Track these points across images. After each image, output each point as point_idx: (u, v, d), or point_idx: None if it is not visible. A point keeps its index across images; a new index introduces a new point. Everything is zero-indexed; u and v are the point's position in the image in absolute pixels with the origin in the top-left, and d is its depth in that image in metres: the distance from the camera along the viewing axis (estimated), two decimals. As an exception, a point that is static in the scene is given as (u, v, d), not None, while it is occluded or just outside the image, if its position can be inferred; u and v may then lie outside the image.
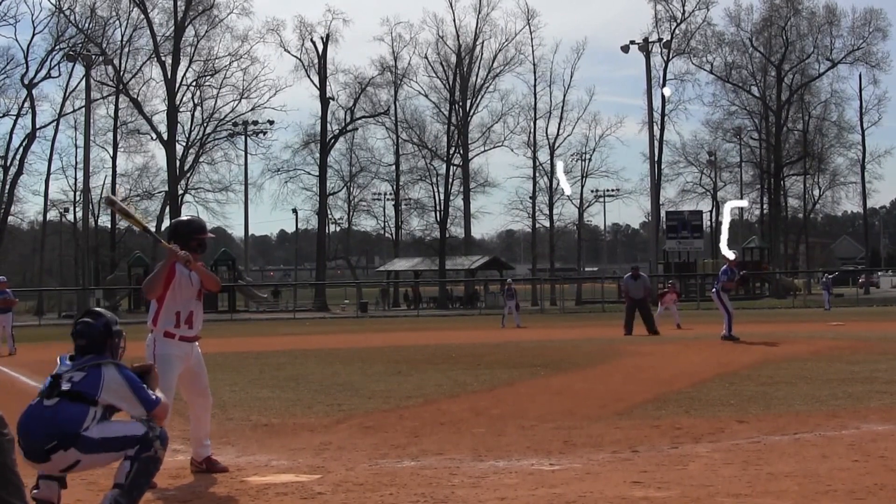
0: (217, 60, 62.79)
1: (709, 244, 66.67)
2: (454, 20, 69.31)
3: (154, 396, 5.39)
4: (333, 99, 63.78)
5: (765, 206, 70.37)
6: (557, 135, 66.81)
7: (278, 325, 39.83)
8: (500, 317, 34.63)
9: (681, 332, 24.75)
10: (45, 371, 14.78)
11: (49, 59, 60.08)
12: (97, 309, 5.69)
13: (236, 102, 63.26)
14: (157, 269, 6.65)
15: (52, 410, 5.16)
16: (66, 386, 5.22)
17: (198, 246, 6.79)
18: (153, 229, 7.64)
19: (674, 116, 69.23)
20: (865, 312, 38.46)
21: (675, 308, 29.05)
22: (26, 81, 59.52)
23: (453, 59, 66.79)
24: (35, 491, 5.21)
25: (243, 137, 64.09)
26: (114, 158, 62.41)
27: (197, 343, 6.91)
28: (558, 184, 65.91)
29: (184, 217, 7.62)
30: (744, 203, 68.57)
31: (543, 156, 66.94)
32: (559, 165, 65.63)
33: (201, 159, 63.23)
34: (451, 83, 66.64)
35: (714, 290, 20.54)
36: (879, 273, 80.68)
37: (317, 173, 64.03)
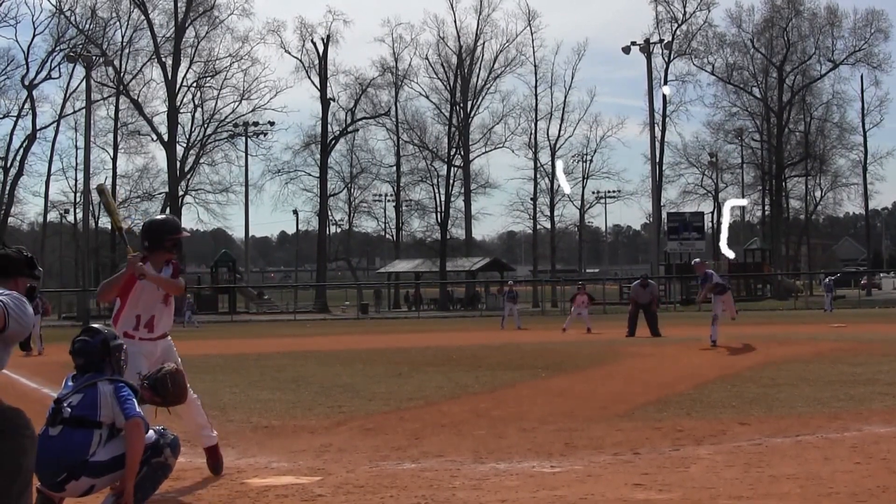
0: (217, 61, 62.90)
1: (710, 245, 66.66)
2: (455, 21, 69.66)
3: (136, 410, 5.26)
4: (334, 100, 63.87)
5: (766, 208, 70.37)
6: (558, 136, 66.94)
7: (278, 326, 39.83)
8: (500, 318, 34.67)
9: (683, 334, 24.65)
10: (45, 373, 14.79)
11: (49, 60, 60.18)
12: (95, 326, 5.65)
13: (237, 103, 63.34)
14: (116, 275, 6.63)
15: (58, 441, 5.13)
16: (66, 412, 5.19)
17: (172, 246, 6.77)
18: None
19: (675, 117, 69.02)
20: (867, 314, 38.43)
21: (587, 312, 28.88)
22: (27, 82, 59.58)
23: (454, 60, 66.86)
24: (40, 485, 5.21)
25: (244, 138, 64.07)
26: (114, 160, 62.48)
27: (167, 337, 6.84)
28: (559, 184, 65.97)
29: (158, 217, 7.59)
30: (744, 202, 68.63)
31: (544, 157, 67.06)
32: (559, 164, 65.67)
33: (202, 160, 63.26)
34: (451, 84, 66.65)
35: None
36: (881, 274, 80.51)
37: (317, 174, 64.06)
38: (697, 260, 21.73)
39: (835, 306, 42.60)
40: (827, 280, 46.16)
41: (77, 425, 5.16)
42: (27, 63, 59.87)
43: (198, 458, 7.49)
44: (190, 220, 70.40)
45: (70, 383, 5.37)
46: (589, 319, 28.38)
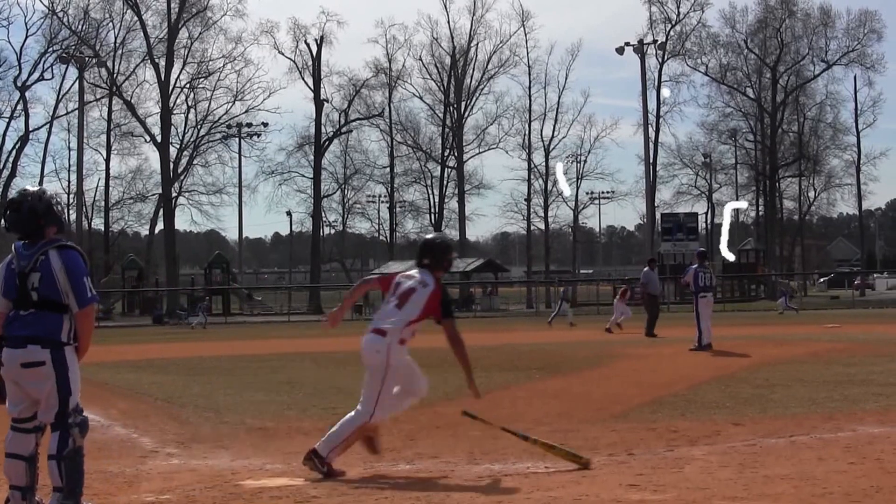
0: (211, 62, 62.63)
1: (704, 246, 66.66)
2: (448, 22, 69.15)
3: (88, 297, 5.38)
4: (328, 101, 63.76)
5: (760, 208, 70.47)
6: (552, 137, 66.77)
7: (273, 328, 39.78)
8: (554, 314, 34.33)
9: (677, 334, 24.59)
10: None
11: (42, 62, 59.98)
12: (16, 197, 5.74)
13: (230, 105, 63.06)
14: None
15: (33, 317, 5.30)
16: (34, 296, 5.31)
17: (448, 266, 7.42)
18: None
19: (669, 118, 68.79)
20: (861, 314, 38.45)
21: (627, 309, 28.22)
22: (19, 83, 59.40)
23: (448, 60, 66.74)
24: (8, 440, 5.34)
25: (237, 140, 63.92)
26: (107, 161, 62.28)
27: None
28: (554, 185, 65.88)
29: (435, 237, 7.96)
30: (743, 204, 68.65)
31: (538, 158, 66.93)
32: (558, 167, 65.50)
33: (195, 162, 63.04)
34: (445, 85, 66.59)
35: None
36: (875, 275, 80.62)
37: (311, 175, 63.97)
38: (702, 249, 21.65)
39: (830, 307, 41.39)
40: (783, 284, 44.34)
41: (47, 308, 5.31)
42: (20, 64, 59.77)
43: (191, 460, 7.50)
44: (183, 221, 70.70)
45: (23, 251, 5.45)
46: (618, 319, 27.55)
